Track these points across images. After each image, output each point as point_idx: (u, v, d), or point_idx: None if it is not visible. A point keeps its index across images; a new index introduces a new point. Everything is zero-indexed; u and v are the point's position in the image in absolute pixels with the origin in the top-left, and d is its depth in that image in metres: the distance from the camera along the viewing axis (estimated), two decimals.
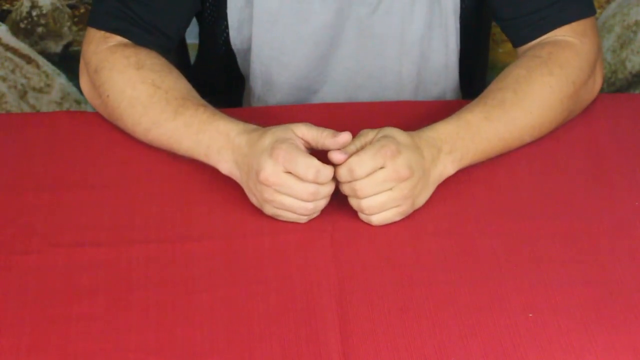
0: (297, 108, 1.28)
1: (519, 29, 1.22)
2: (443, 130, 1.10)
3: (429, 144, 1.08)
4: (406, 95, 1.32)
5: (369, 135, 1.07)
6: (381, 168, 1.03)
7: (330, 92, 1.32)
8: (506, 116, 1.12)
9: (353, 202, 1.06)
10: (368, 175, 1.03)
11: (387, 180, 1.04)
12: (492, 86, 1.16)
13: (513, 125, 1.13)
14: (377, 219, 1.06)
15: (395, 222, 1.07)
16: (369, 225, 1.07)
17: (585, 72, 1.18)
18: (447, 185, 1.12)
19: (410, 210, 1.07)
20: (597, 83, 1.22)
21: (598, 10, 2.00)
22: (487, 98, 1.14)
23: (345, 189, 1.05)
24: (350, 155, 1.04)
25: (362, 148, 1.06)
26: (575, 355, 0.93)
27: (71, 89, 2.04)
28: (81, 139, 1.20)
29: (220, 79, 1.41)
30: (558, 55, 1.17)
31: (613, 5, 2.00)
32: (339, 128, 1.06)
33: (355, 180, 1.03)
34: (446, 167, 1.09)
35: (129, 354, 0.95)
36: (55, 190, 1.13)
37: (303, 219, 1.06)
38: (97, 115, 1.23)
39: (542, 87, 1.14)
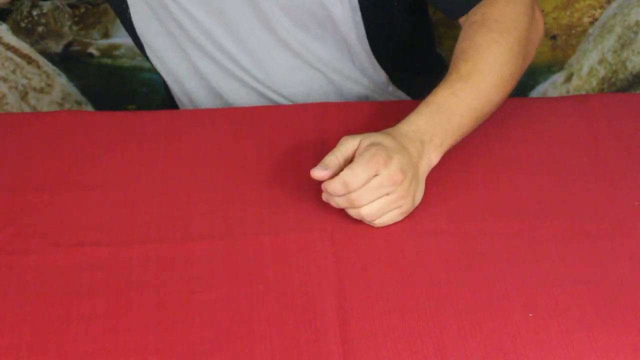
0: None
1: (451, 3, 1.22)
2: (418, 121, 1.09)
3: (410, 139, 1.08)
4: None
5: (349, 143, 1.06)
6: (375, 175, 1.03)
7: None
8: (468, 85, 1.12)
9: (352, 212, 1.06)
10: (363, 185, 1.03)
11: (382, 186, 1.04)
12: (450, 67, 1.16)
13: (478, 92, 1.13)
14: (380, 222, 1.06)
15: (395, 222, 1.07)
16: (369, 225, 1.07)
17: (523, 15, 1.18)
18: (447, 185, 1.12)
19: (412, 208, 1.07)
20: (540, 22, 1.21)
21: (599, 11, 2.00)
22: (447, 78, 1.14)
23: (341, 202, 1.05)
24: (337, 169, 1.04)
25: (343, 158, 1.05)
26: (575, 355, 0.93)
27: (72, 89, 2.04)
28: (81, 139, 1.20)
29: None
30: (491, 12, 1.17)
31: (613, 5, 1.99)
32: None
33: (350, 192, 1.03)
34: (431, 157, 1.09)
35: (129, 354, 0.95)
36: (55, 190, 1.13)
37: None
38: (97, 115, 1.23)
39: (488, 45, 1.14)
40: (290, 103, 1.37)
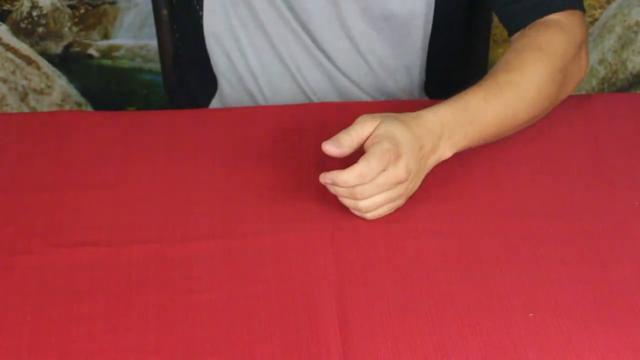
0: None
1: (513, 15, 1.23)
2: (443, 114, 1.09)
3: (430, 131, 1.07)
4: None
5: (366, 125, 1.05)
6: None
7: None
8: (502, 94, 1.12)
9: (348, 202, 1.06)
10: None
11: (386, 184, 1.04)
12: (488, 74, 1.16)
13: (509, 103, 1.13)
14: (371, 215, 1.06)
15: (395, 222, 1.07)
16: (369, 225, 1.07)
17: (572, 47, 1.19)
18: (447, 185, 1.12)
19: (403, 203, 1.08)
20: (584, 62, 1.22)
21: (599, 11, 2.00)
22: (483, 82, 1.14)
23: (341, 191, 1.05)
24: (349, 150, 1.03)
25: (357, 140, 1.04)
26: (575, 355, 0.93)
27: (72, 90, 2.05)
28: (81, 139, 1.20)
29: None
30: (545, 32, 1.18)
31: (613, 5, 2.00)
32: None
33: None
34: (444, 152, 1.09)
35: (129, 354, 0.95)
36: (55, 190, 1.13)
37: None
38: (97, 115, 1.23)
39: (533, 62, 1.15)
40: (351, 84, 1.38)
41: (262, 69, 1.37)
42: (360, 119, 1.06)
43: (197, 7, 1.34)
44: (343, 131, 1.05)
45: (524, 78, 1.14)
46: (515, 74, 1.14)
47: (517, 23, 1.23)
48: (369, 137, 1.05)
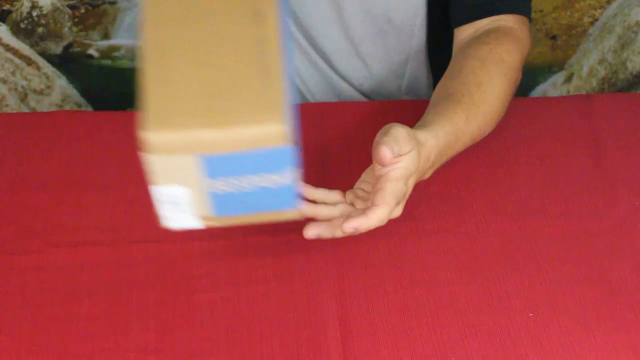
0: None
1: (465, 8, 1.22)
2: (439, 140, 1.04)
3: (427, 159, 1.02)
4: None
5: (403, 145, 0.98)
6: None
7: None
8: (478, 114, 1.10)
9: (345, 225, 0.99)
10: None
11: (385, 220, 0.98)
12: (453, 81, 1.13)
13: (482, 121, 1.11)
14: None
15: (395, 222, 1.07)
16: None
17: (523, 57, 1.18)
18: (447, 185, 1.12)
19: None
20: (520, 75, 1.21)
21: (599, 11, 2.00)
22: (458, 95, 1.10)
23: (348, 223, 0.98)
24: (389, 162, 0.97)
25: (397, 155, 0.97)
26: (575, 355, 0.93)
27: (72, 91, 2.04)
28: (81, 139, 1.20)
29: None
30: (504, 42, 1.17)
31: (614, 5, 1.99)
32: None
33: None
34: (428, 176, 1.06)
35: (129, 354, 0.95)
36: (55, 190, 1.13)
37: None
38: (97, 115, 1.23)
39: (498, 76, 1.14)
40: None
41: None
42: (396, 133, 0.98)
43: None
44: (389, 139, 0.97)
45: (493, 94, 1.12)
46: (486, 89, 1.12)
47: (467, 16, 1.21)
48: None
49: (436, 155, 1.04)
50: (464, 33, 1.21)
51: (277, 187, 0.79)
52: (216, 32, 0.79)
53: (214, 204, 0.80)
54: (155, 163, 0.78)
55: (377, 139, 0.97)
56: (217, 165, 0.77)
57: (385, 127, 0.99)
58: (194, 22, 0.79)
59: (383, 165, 0.97)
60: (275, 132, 0.75)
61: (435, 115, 1.06)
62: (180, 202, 0.81)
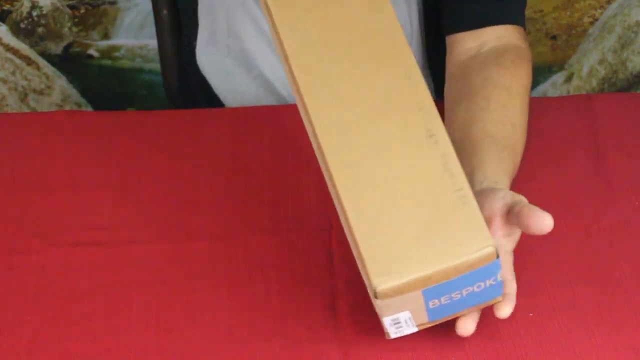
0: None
1: (464, 14, 1.19)
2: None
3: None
4: None
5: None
6: None
7: None
8: (517, 156, 1.09)
9: None
10: None
11: None
12: (484, 113, 1.09)
13: (517, 158, 1.10)
14: None
15: None
16: None
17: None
18: None
19: None
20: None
21: (599, 11, 2.00)
22: (500, 139, 1.08)
23: None
24: None
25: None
26: (575, 355, 0.93)
27: (72, 91, 2.05)
28: (81, 139, 1.20)
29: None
30: (521, 65, 1.15)
31: (614, 5, 1.99)
32: None
33: None
34: None
35: (129, 354, 0.95)
36: (55, 190, 1.13)
37: None
38: (97, 115, 1.23)
39: (523, 108, 1.12)
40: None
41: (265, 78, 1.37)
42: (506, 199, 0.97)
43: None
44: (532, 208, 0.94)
45: (523, 134, 1.11)
46: (518, 129, 1.10)
47: (463, 23, 1.19)
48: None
49: None
50: (464, 44, 1.19)
51: (487, 287, 0.87)
52: (400, 158, 0.86)
53: (431, 314, 0.88)
54: (384, 305, 0.85)
55: (515, 206, 0.95)
56: (437, 290, 0.85)
57: (499, 193, 0.98)
58: (377, 155, 0.86)
59: (543, 233, 0.93)
60: (489, 253, 0.83)
61: (499, 169, 1.04)
62: (402, 321, 0.89)
